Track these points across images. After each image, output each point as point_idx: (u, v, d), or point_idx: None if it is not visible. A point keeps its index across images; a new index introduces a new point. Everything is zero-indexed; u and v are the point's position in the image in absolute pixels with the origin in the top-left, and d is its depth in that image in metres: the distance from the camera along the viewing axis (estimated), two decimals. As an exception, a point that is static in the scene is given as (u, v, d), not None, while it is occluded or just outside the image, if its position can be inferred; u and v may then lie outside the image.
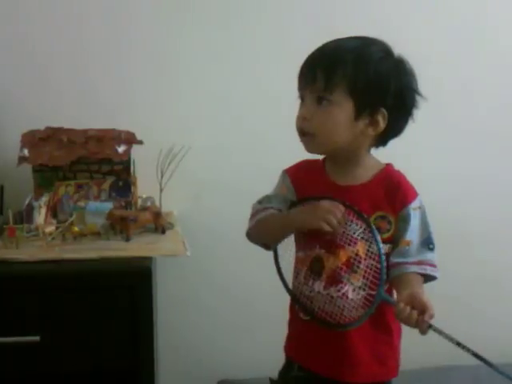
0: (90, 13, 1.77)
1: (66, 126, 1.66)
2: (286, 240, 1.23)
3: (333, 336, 1.18)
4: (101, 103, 1.78)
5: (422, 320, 1.03)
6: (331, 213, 1.11)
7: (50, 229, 1.50)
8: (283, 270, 1.23)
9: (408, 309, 1.04)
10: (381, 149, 1.23)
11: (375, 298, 1.12)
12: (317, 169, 1.24)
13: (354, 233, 1.14)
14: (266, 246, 1.25)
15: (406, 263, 1.14)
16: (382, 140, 1.21)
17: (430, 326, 1.03)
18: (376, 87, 1.13)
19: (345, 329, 1.17)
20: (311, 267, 1.19)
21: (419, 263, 1.14)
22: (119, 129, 1.66)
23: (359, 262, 1.14)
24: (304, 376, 1.24)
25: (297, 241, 1.24)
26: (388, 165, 1.23)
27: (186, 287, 1.90)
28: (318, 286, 1.18)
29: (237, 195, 1.82)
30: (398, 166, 1.24)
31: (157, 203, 1.66)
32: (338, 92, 1.13)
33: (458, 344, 1.02)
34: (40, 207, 1.52)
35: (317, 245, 1.18)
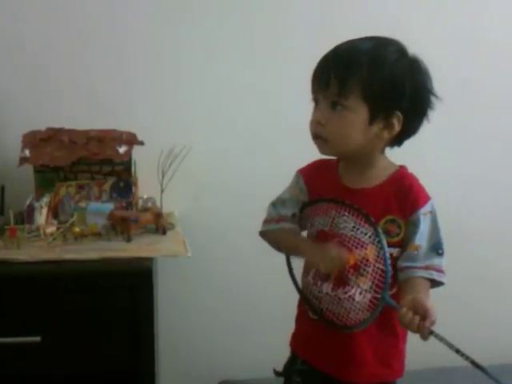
0: (90, 13, 1.76)
1: (67, 126, 1.66)
2: None
3: (339, 336, 1.19)
4: (102, 104, 1.78)
5: (423, 326, 1.02)
6: (334, 261, 1.11)
7: (51, 229, 1.50)
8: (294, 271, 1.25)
9: (410, 314, 1.03)
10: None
11: (379, 302, 1.13)
12: (330, 170, 1.24)
13: (363, 236, 1.14)
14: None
15: (414, 268, 1.14)
16: (397, 141, 1.20)
17: (432, 332, 1.02)
18: (391, 91, 1.12)
19: (350, 330, 1.17)
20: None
21: (427, 268, 1.14)
22: (120, 129, 1.66)
23: (366, 265, 1.13)
24: (307, 370, 1.25)
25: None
26: (402, 167, 1.22)
27: (187, 288, 1.90)
28: (326, 287, 1.19)
29: (238, 196, 1.83)
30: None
31: (158, 204, 1.66)
32: (352, 97, 1.11)
33: (458, 351, 1.01)
34: (41, 208, 1.52)
35: None
